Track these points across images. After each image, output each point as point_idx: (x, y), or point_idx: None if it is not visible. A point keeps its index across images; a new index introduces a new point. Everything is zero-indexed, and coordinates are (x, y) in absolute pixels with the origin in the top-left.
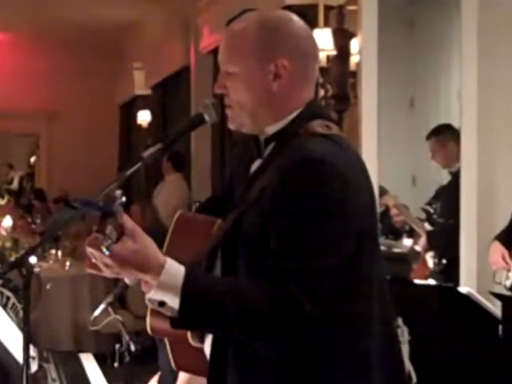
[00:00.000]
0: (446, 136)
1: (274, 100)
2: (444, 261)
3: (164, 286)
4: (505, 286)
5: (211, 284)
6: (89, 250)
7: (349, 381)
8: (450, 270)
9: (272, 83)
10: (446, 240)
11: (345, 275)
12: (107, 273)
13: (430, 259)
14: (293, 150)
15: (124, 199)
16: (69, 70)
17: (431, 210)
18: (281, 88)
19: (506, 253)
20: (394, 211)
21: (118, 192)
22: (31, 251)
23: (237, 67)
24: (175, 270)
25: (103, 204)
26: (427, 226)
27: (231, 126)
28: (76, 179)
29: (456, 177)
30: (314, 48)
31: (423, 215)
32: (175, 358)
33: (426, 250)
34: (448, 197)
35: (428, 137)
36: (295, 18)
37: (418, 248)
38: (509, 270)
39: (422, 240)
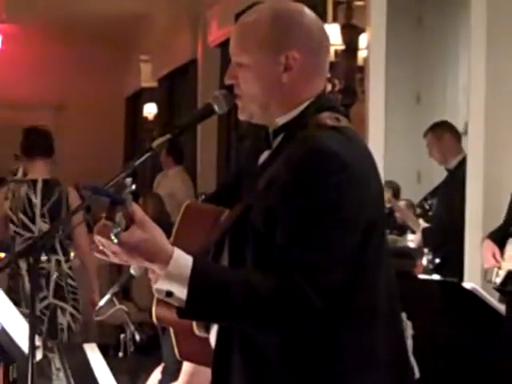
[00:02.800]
0: (441, 130)
1: (284, 91)
2: (437, 260)
3: (172, 276)
4: (494, 284)
5: (219, 275)
6: (97, 237)
7: (355, 371)
8: (444, 268)
9: (282, 75)
10: (440, 237)
11: (352, 267)
12: (115, 260)
13: (423, 256)
14: (301, 141)
15: (134, 187)
16: (76, 62)
17: (427, 207)
18: (291, 79)
19: (498, 251)
20: (398, 207)
21: (128, 180)
22: (38, 240)
23: (247, 58)
24: (183, 260)
25: (113, 192)
26: (422, 223)
27: (241, 116)
28: (82, 170)
29: (452, 174)
30: (325, 40)
31: (418, 211)
32: (180, 347)
33: (421, 247)
34: (444, 193)
35: (425, 134)
36: (307, 9)
37: (411, 244)
38: (499, 268)
39: (417, 236)
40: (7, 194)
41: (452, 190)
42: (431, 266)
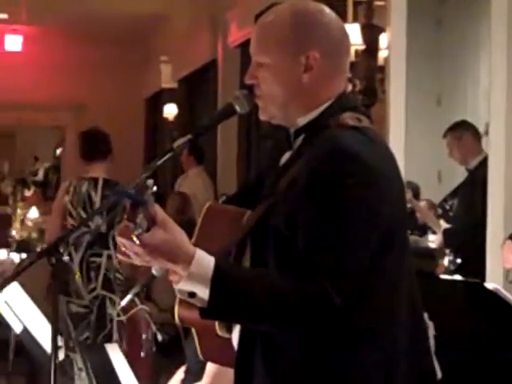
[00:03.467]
0: (460, 129)
1: (304, 92)
2: (459, 260)
3: (194, 276)
4: None
5: (241, 275)
6: (119, 239)
7: (376, 371)
8: (465, 268)
9: (303, 75)
10: (461, 237)
11: (374, 268)
12: (137, 261)
13: (445, 257)
14: (323, 141)
15: (155, 189)
16: (95, 63)
17: (447, 207)
18: (311, 80)
19: None
20: (418, 208)
21: (150, 182)
22: (60, 240)
23: (268, 58)
24: (205, 260)
25: (135, 193)
26: (443, 224)
27: (262, 116)
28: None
29: (472, 174)
30: (345, 40)
31: (439, 212)
32: (202, 348)
33: (442, 248)
34: (464, 194)
35: (445, 134)
36: (327, 9)
37: (432, 245)
38: None
39: (438, 237)
40: (69, 189)
41: (472, 190)
42: (453, 267)
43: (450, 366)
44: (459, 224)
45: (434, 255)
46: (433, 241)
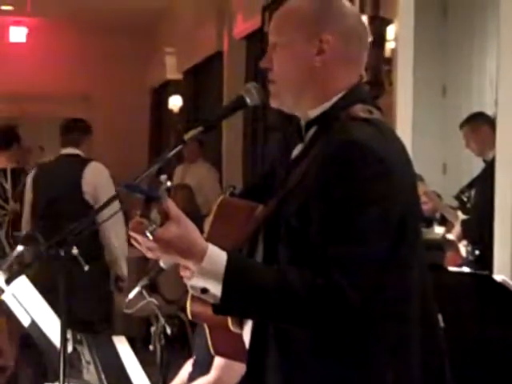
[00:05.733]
0: (478, 121)
1: (316, 77)
2: (477, 252)
3: (206, 272)
4: None
5: (253, 271)
6: (132, 234)
7: (389, 364)
8: (484, 259)
9: (315, 57)
10: (480, 229)
11: (388, 261)
12: (149, 255)
13: (463, 248)
14: (335, 134)
15: (169, 184)
16: (101, 54)
17: (465, 199)
18: (324, 64)
19: None
20: (423, 199)
21: (163, 177)
22: (69, 233)
23: (282, 37)
24: (217, 256)
25: (148, 188)
26: (460, 215)
27: (273, 103)
28: (106, 163)
29: (490, 165)
30: (361, 30)
31: (454, 203)
32: (214, 343)
33: (460, 239)
34: (482, 185)
35: (461, 126)
36: None
37: (451, 237)
38: None
39: (456, 228)
40: None
41: (490, 181)
42: (471, 258)
43: (458, 358)
44: (478, 215)
45: (442, 247)
46: (441, 232)
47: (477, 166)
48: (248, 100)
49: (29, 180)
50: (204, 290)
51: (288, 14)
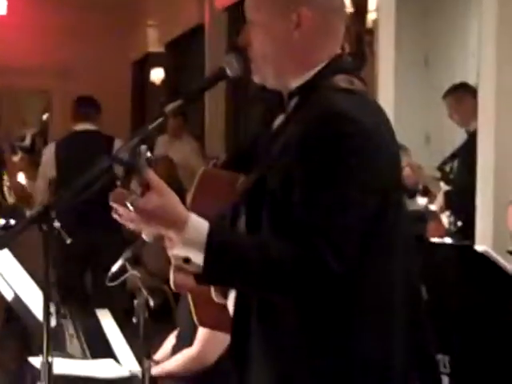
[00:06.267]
0: (461, 92)
1: (295, 50)
2: (459, 222)
3: (188, 241)
4: None
5: (235, 240)
6: (113, 205)
7: (373, 336)
8: (466, 230)
9: (293, 32)
10: (462, 200)
11: (370, 231)
12: (131, 226)
13: (445, 218)
14: (316, 103)
15: (149, 155)
16: (81, 27)
17: (447, 170)
18: (302, 37)
19: None
20: (407, 170)
21: (143, 147)
22: (52, 206)
23: (259, 15)
24: (199, 225)
25: (128, 159)
26: (443, 186)
27: (255, 79)
28: None
29: (473, 136)
30: (338, 1)
31: (437, 174)
32: (198, 314)
33: (442, 210)
34: (464, 156)
35: (444, 96)
36: None
37: (433, 207)
38: None
39: (439, 199)
40: None
41: (473, 152)
42: (453, 228)
43: (441, 329)
44: (460, 186)
45: (424, 217)
46: (423, 203)
47: (460, 137)
48: (229, 71)
49: (49, 156)
50: (186, 260)
51: None
